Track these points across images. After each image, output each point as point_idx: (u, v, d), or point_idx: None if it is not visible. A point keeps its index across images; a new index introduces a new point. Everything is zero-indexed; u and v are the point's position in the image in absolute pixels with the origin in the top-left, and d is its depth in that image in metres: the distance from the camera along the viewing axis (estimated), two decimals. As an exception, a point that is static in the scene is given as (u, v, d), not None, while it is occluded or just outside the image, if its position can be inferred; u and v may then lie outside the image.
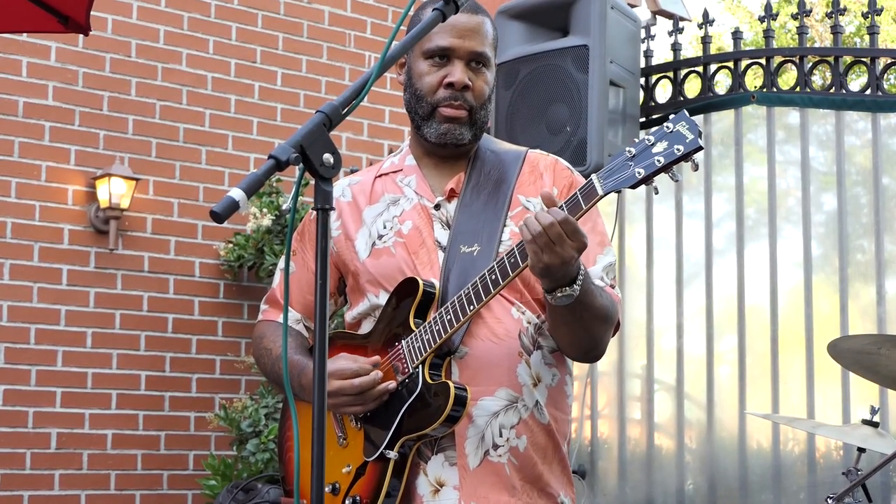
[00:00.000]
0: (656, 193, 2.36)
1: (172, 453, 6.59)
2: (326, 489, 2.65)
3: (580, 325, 2.52)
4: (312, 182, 2.02)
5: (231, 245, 6.64)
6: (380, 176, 2.83)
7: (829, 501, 3.64)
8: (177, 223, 6.73)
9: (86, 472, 6.34)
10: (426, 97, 2.69)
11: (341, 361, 2.60)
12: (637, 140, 2.32)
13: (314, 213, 2.84)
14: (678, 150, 2.27)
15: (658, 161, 2.28)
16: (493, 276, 2.46)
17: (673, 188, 5.59)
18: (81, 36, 6.45)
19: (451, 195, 2.72)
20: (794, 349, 5.18)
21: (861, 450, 3.82)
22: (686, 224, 5.57)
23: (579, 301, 2.42)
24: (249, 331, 6.79)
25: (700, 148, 2.26)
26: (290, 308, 2.85)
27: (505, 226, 2.65)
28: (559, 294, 2.40)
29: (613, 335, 2.68)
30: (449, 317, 2.51)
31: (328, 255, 2.01)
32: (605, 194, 2.35)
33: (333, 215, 2.80)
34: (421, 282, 2.58)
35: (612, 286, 2.68)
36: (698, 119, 5.54)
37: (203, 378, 6.71)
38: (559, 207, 2.34)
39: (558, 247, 2.31)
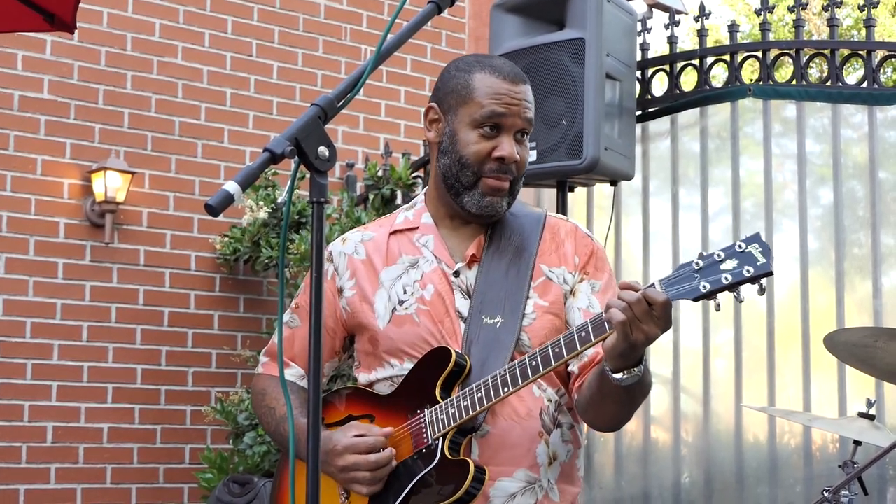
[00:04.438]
0: (717, 310, 2.31)
1: (169, 447, 6.59)
2: None
3: (630, 403, 2.49)
4: (308, 175, 2.01)
5: (227, 238, 6.64)
6: (394, 233, 2.76)
7: (826, 494, 3.64)
8: (172, 217, 6.72)
9: (82, 466, 6.34)
10: (473, 167, 2.60)
11: (353, 434, 2.56)
12: (705, 253, 2.26)
13: (326, 266, 2.74)
14: (748, 272, 2.20)
15: (726, 279, 2.22)
16: (534, 363, 2.41)
17: (669, 181, 5.59)
18: (77, 29, 6.45)
19: (472, 261, 2.66)
20: (790, 342, 5.18)
21: (857, 442, 3.82)
22: (682, 217, 5.56)
23: (640, 380, 2.38)
24: (245, 324, 6.84)
25: (770, 273, 2.20)
26: (293, 364, 2.80)
27: (528, 297, 2.60)
28: (627, 375, 2.34)
29: None
30: (480, 395, 2.45)
31: (323, 247, 2.00)
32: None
33: (346, 275, 2.74)
34: (454, 353, 2.52)
35: None
36: (694, 112, 5.53)
37: (199, 371, 6.71)
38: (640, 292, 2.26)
39: (645, 325, 2.25)
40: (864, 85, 5.10)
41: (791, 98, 5.27)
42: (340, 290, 2.74)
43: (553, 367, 2.41)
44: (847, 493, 3.67)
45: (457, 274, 2.65)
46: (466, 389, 2.48)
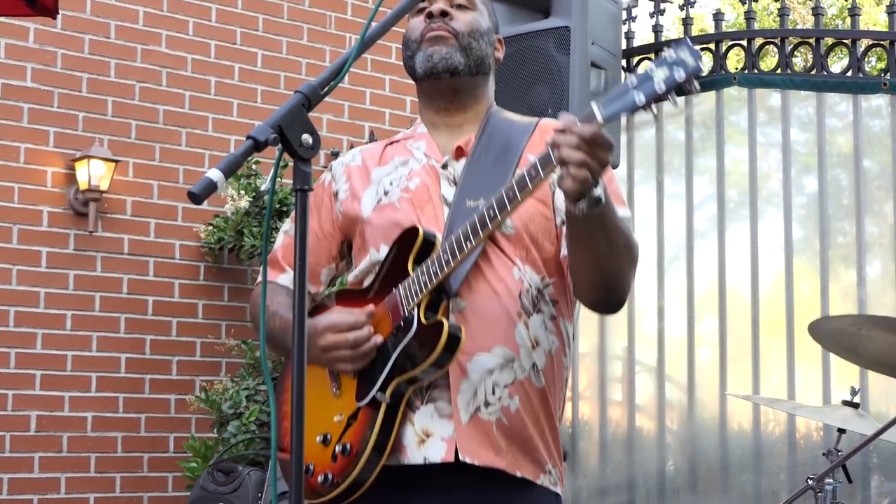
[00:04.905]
0: (656, 119, 2.35)
1: (153, 435, 6.57)
2: (317, 440, 2.62)
3: (606, 247, 2.41)
4: (292, 164, 2.01)
5: (211, 227, 6.62)
6: (391, 143, 2.84)
7: (810, 482, 3.65)
8: (156, 205, 6.70)
9: (65, 455, 6.32)
10: (414, 35, 2.71)
11: (336, 315, 2.58)
12: (639, 71, 2.31)
13: (323, 177, 2.83)
14: (679, 74, 2.28)
15: (659, 86, 2.29)
16: (491, 212, 2.42)
17: (654, 170, 5.59)
18: (60, 17, 6.42)
19: (460, 154, 2.71)
20: (774, 331, 5.20)
21: (841, 431, 3.84)
22: (667, 206, 5.58)
23: (603, 214, 2.33)
24: (230, 313, 6.82)
25: (700, 70, 2.26)
26: (291, 269, 2.83)
27: None
28: (584, 200, 2.27)
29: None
30: (446, 257, 2.47)
31: (307, 236, 2.00)
32: (607, 120, 2.30)
33: (342, 179, 2.80)
34: (421, 229, 2.55)
35: None
36: (679, 101, 5.53)
37: (183, 360, 6.69)
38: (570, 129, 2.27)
39: (591, 161, 2.25)
40: (849, 74, 5.11)
41: (776, 87, 5.28)
42: (335, 194, 2.80)
43: (508, 211, 2.41)
44: (831, 480, 3.69)
45: (445, 166, 2.70)
46: (434, 255, 2.50)
